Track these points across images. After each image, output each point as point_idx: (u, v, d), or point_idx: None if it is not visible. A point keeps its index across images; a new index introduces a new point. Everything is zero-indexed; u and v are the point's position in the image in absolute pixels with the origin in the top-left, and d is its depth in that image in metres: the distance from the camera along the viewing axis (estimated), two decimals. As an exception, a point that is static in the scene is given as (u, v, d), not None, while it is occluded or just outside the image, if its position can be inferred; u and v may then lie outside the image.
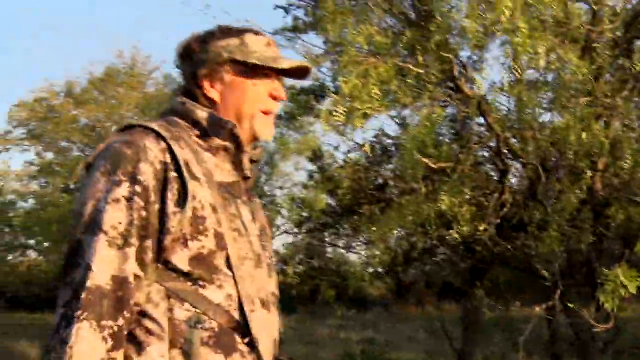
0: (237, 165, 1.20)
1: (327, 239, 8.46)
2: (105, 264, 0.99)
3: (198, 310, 1.04)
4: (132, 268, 1.01)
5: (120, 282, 0.99)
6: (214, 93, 1.20)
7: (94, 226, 1.00)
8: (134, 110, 15.49)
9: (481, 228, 2.86)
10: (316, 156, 7.04)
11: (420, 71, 2.68)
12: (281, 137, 9.64)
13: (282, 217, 11.23)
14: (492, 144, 3.63)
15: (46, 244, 15.80)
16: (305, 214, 6.48)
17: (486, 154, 4.08)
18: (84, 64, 22.38)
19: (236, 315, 1.08)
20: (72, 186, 15.51)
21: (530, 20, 2.26)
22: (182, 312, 1.04)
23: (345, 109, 2.35)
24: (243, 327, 1.07)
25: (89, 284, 0.97)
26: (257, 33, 1.24)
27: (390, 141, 5.01)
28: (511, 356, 6.00)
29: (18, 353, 8.22)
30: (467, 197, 2.95)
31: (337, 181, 5.46)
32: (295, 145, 10.58)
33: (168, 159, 1.06)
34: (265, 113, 1.21)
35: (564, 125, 2.47)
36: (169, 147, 1.07)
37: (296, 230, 8.69)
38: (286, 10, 4.61)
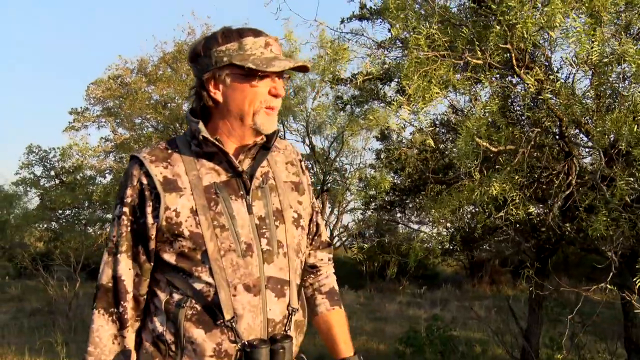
0: (230, 164, 1.36)
1: (397, 216, 8.57)
2: (106, 268, 1.37)
3: (187, 294, 1.33)
4: (123, 269, 1.36)
5: (116, 280, 1.36)
6: (218, 94, 1.34)
7: (106, 240, 1.40)
8: None
9: (531, 210, 2.97)
10: (383, 136, 7.20)
11: (479, 62, 2.81)
12: (350, 115, 9.81)
13: (350, 194, 11.41)
14: (556, 129, 3.67)
15: None
16: (371, 193, 6.68)
17: (551, 137, 4.09)
18: (157, 41, 22.76)
19: (214, 299, 1.32)
20: None
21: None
22: (177, 295, 1.35)
23: (409, 108, 2.54)
24: (219, 310, 1.31)
25: (98, 283, 1.38)
26: (256, 34, 1.32)
27: (455, 117, 5.06)
28: (581, 338, 5.95)
29: None
30: (520, 181, 3.05)
31: (403, 161, 5.62)
32: (363, 122, 10.65)
33: (145, 181, 1.34)
34: (267, 109, 1.35)
35: (619, 116, 2.51)
36: (147, 171, 1.34)
37: (363, 208, 8.88)
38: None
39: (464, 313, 10.98)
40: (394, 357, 6.75)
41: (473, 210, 4.73)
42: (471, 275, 16.48)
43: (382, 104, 4.82)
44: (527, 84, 2.75)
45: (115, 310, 1.36)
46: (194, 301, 1.33)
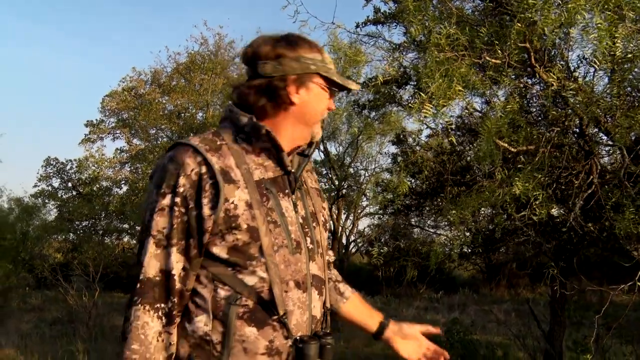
0: (279, 162, 1.37)
1: (412, 220, 8.56)
2: (154, 261, 1.27)
3: (236, 290, 1.27)
4: (174, 262, 1.27)
5: (166, 274, 1.27)
6: (296, 97, 1.37)
7: (147, 231, 1.28)
8: (218, 96, 15.60)
9: (553, 211, 2.94)
10: (399, 140, 7.19)
11: (498, 62, 2.80)
12: (366, 119, 9.82)
13: (366, 199, 11.40)
14: (576, 128, 3.64)
15: (138, 228, 16.73)
16: (389, 197, 6.68)
17: (570, 136, 4.06)
18: (171, 52, 23.02)
19: (268, 295, 1.28)
20: None
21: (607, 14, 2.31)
22: (223, 292, 1.28)
23: (431, 107, 2.53)
24: (273, 306, 1.28)
25: (141, 277, 1.27)
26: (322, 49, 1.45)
27: (472, 119, 5.06)
28: (607, 341, 5.86)
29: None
30: (542, 180, 3.03)
31: (420, 164, 5.60)
32: (379, 126, 10.65)
33: (204, 170, 1.27)
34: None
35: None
36: (204, 159, 1.28)
37: (381, 212, 8.86)
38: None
39: (482, 317, 10.89)
40: (415, 362, 6.67)
41: (491, 213, 4.69)
42: (488, 279, 16.35)
43: (399, 108, 4.81)
44: (548, 83, 2.73)
45: (163, 305, 1.27)
46: (244, 298, 1.28)
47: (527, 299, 8.39)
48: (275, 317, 1.29)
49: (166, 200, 1.28)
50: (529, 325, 7.04)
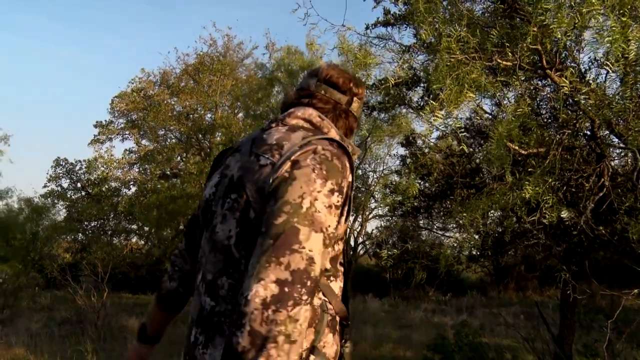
0: None
1: (420, 222, 8.56)
2: (321, 258, 1.15)
3: (326, 299, 1.27)
4: (327, 262, 1.26)
5: (322, 273, 1.22)
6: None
7: (315, 223, 1.15)
8: (226, 97, 15.88)
9: (563, 215, 2.92)
10: (408, 142, 7.17)
11: (509, 64, 2.79)
12: (374, 121, 9.80)
13: (375, 201, 11.40)
14: (587, 131, 3.62)
15: (146, 228, 16.62)
16: (398, 199, 6.66)
17: (581, 139, 4.03)
18: (180, 52, 22.95)
19: (344, 302, 1.33)
20: (167, 172, 16.20)
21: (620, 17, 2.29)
22: (317, 300, 1.26)
23: (441, 113, 2.54)
24: (344, 312, 1.32)
25: (312, 274, 1.12)
26: None
27: (481, 122, 5.05)
28: (618, 346, 5.81)
29: (130, 329, 9.22)
30: (553, 183, 3.01)
31: (429, 166, 5.60)
32: (388, 128, 10.64)
33: (350, 178, 1.26)
34: None
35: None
36: (351, 167, 1.27)
37: (389, 214, 8.84)
38: (376, 0, 4.74)
39: (491, 319, 10.85)
40: (423, 365, 6.66)
41: (500, 215, 4.67)
42: (497, 282, 16.29)
43: (408, 109, 4.80)
44: (561, 86, 2.72)
45: (315, 306, 1.25)
46: (331, 305, 1.29)
47: (535, 302, 8.33)
48: (347, 323, 1.34)
49: (335, 198, 1.20)
50: (538, 328, 7.00)
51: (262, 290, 1.06)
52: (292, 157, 1.20)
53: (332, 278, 1.30)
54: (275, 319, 1.04)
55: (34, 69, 36.02)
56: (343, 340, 1.36)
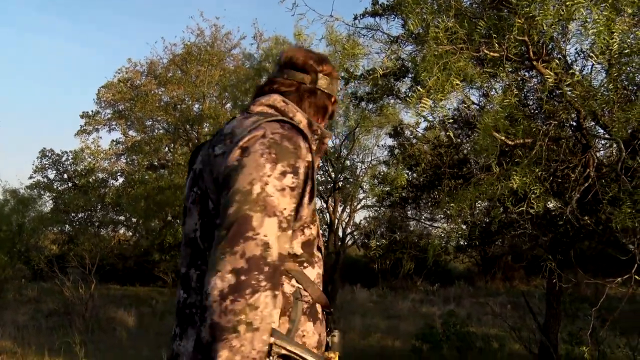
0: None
1: (409, 213, 8.60)
2: (278, 243, 1.12)
3: (300, 286, 1.25)
4: (288, 246, 1.19)
5: (282, 258, 1.14)
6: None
7: (268, 208, 1.12)
8: (214, 88, 15.62)
9: (550, 205, 2.96)
10: (396, 132, 7.20)
11: (496, 55, 2.81)
12: (362, 112, 9.79)
13: (363, 191, 11.40)
14: (573, 122, 3.65)
15: (134, 220, 16.37)
16: (386, 189, 6.68)
17: (567, 129, 4.07)
18: (167, 43, 22.69)
19: (321, 289, 1.31)
20: (155, 163, 16.02)
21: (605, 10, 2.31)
22: (289, 287, 1.24)
23: (428, 101, 2.53)
24: (325, 299, 1.31)
25: (269, 259, 1.10)
26: None
27: (469, 112, 5.08)
28: (601, 333, 5.90)
29: (118, 320, 9.20)
30: (539, 173, 3.04)
31: (417, 157, 5.62)
32: (376, 118, 10.60)
33: (309, 158, 1.23)
34: None
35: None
36: (310, 148, 1.24)
37: (377, 205, 8.87)
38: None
39: (478, 309, 10.97)
40: (411, 354, 6.74)
41: (488, 206, 4.71)
42: (484, 272, 16.45)
43: (396, 100, 4.81)
44: (546, 77, 2.74)
45: (278, 292, 1.14)
46: (306, 292, 1.26)
47: (522, 292, 8.44)
48: (325, 310, 1.32)
49: (288, 180, 1.17)
50: (524, 317, 7.10)
51: (219, 282, 1.06)
52: (240, 143, 1.19)
53: (305, 264, 1.28)
54: (233, 309, 1.04)
55: (14, 56, 35.43)
56: (329, 329, 1.35)
